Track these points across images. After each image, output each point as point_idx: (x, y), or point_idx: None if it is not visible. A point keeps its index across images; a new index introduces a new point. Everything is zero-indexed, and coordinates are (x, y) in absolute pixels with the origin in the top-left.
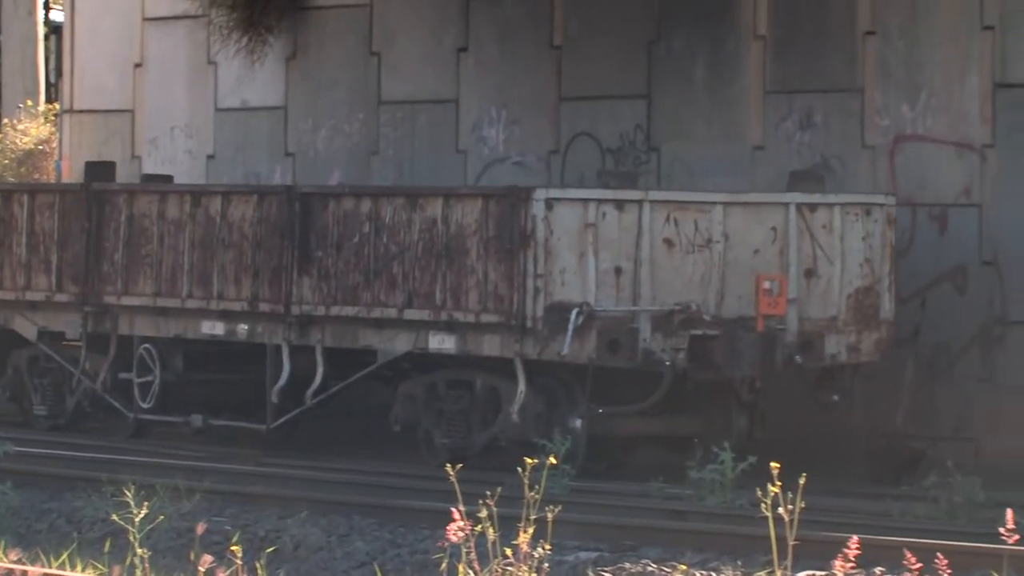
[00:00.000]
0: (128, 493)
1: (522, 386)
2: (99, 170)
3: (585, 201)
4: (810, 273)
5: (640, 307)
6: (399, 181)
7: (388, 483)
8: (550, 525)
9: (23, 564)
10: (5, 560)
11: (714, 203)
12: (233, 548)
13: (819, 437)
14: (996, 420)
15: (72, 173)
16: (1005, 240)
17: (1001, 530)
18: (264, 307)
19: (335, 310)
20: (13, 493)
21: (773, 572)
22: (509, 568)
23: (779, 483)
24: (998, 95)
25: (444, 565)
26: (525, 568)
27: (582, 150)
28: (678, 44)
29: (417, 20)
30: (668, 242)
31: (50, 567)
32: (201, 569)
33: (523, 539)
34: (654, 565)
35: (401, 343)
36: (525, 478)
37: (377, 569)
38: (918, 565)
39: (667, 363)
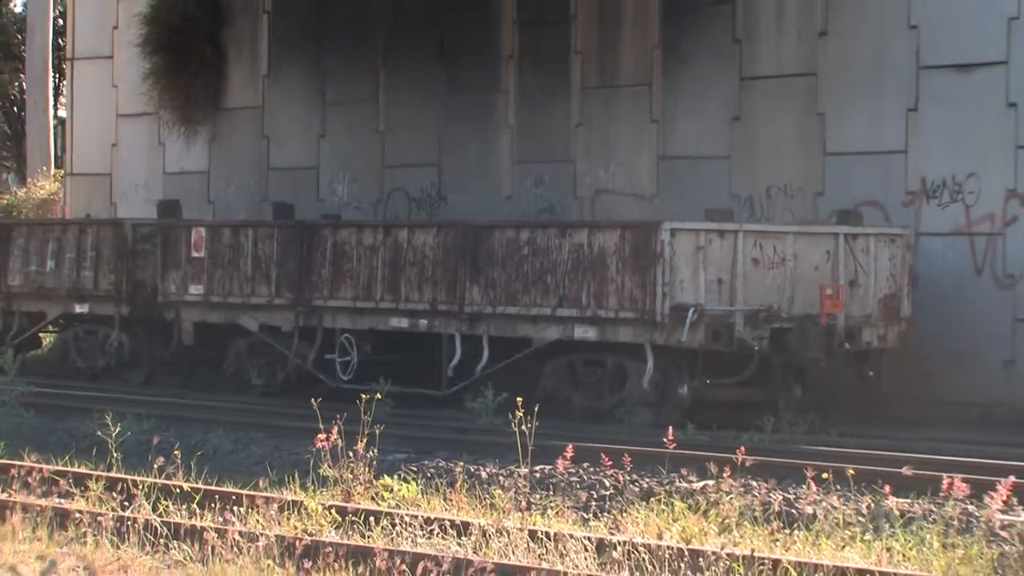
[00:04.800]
0: (107, 418)
1: (651, 363)
2: (282, 209)
3: (697, 231)
4: (853, 283)
5: (736, 307)
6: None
7: (276, 410)
8: (378, 438)
9: (40, 463)
10: (29, 460)
11: (787, 232)
12: (175, 452)
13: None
14: None
15: (72, 214)
16: None
17: (664, 440)
18: (442, 307)
19: (499, 309)
20: (34, 418)
21: (519, 466)
22: (352, 465)
23: (522, 410)
24: (661, 164)
25: (311, 463)
26: (361, 465)
27: (397, 199)
28: (458, 131)
29: (293, 117)
30: (755, 260)
31: (57, 465)
32: (155, 465)
33: (360, 446)
34: (444, 462)
35: (552, 333)
36: (361, 407)
37: (267, 465)
38: (609, 462)
39: (755, 348)
